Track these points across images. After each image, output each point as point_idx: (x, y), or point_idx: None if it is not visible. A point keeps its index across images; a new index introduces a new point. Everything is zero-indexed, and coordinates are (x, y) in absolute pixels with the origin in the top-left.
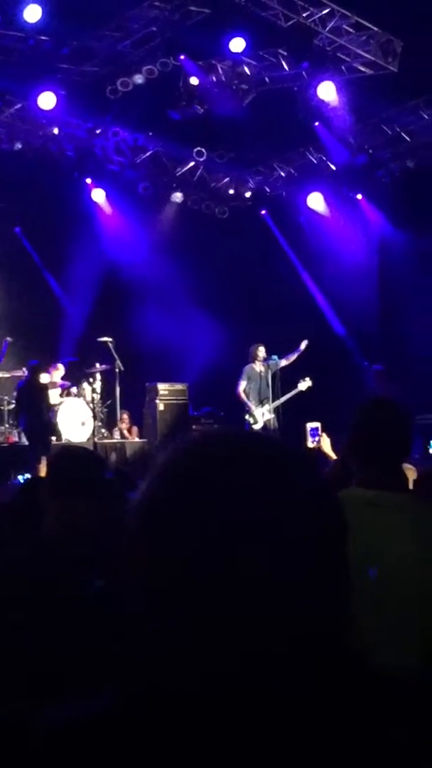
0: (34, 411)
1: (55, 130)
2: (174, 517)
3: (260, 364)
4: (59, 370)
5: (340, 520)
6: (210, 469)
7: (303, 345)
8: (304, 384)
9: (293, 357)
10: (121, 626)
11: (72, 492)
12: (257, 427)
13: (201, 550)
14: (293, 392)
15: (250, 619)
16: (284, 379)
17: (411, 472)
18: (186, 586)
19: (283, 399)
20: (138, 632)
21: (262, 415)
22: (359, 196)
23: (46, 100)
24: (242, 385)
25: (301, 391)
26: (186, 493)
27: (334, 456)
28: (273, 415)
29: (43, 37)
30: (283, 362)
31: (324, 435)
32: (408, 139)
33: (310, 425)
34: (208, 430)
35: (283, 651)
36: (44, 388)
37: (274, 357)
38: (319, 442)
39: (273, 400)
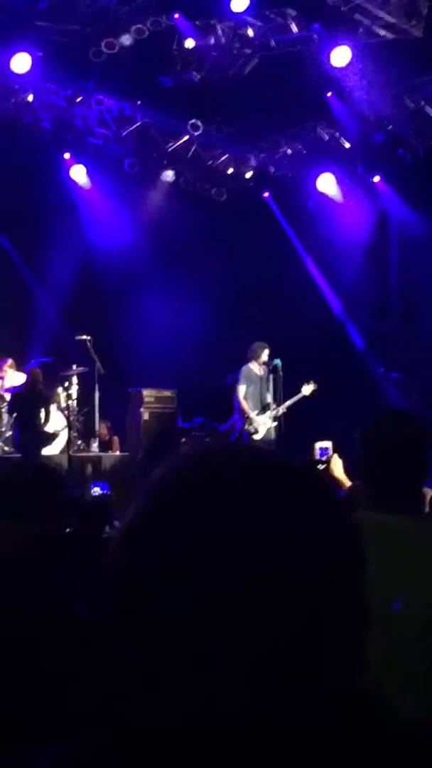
0: (32, 421)
1: (30, 98)
2: (168, 542)
3: (260, 366)
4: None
5: (358, 551)
6: (211, 491)
7: (307, 390)
8: (308, 388)
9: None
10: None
11: (20, 515)
12: (258, 437)
13: (195, 581)
14: (297, 397)
15: (247, 657)
16: (287, 386)
17: (426, 495)
18: (177, 620)
19: (286, 405)
20: (117, 664)
21: (264, 424)
22: (376, 178)
23: (20, 63)
24: (242, 390)
25: (305, 396)
26: (183, 516)
27: (346, 481)
28: (275, 424)
29: None
30: (281, 410)
31: (335, 456)
32: None
33: (319, 445)
34: (208, 445)
35: (285, 693)
36: (46, 396)
37: (277, 361)
38: (328, 464)
39: (275, 407)
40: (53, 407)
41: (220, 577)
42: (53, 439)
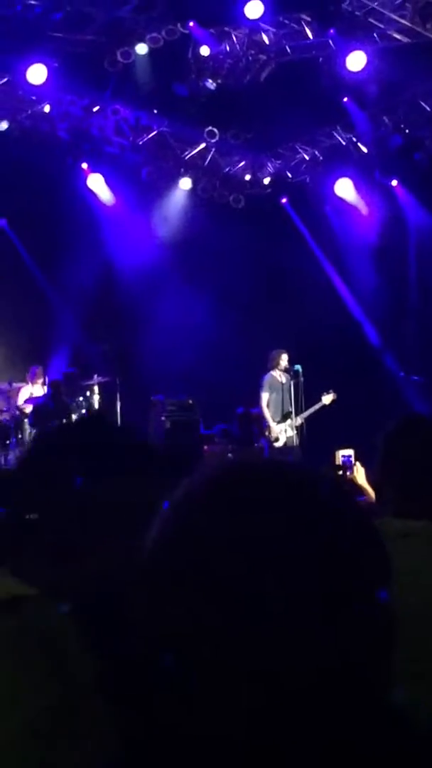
0: None
1: (47, 108)
2: (198, 557)
3: (281, 373)
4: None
5: (384, 561)
6: (237, 505)
7: (327, 399)
8: (328, 397)
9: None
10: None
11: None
12: (279, 445)
13: (224, 594)
14: (316, 406)
15: (278, 670)
16: (308, 392)
17: None
18: (205, 632)
19: (305, 415)
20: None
21: (284, 432)
22: (394, 182)
23: (36, 74)
24: (264, 397)
25: (325, 405)
26: (210, 531)
27: (369, 489)
28: (295, 432)
29: (32, 2)
30: (299, 420)
31: (357, 464)
32: None
33: (341, 453)
34: (233, 460)
35: (311, 708)
36: (67, 406)
37: (297, 366)
38: (351, 472)
39: (296, 415)
40: (75, 417)
41: (250, 590)
42: None
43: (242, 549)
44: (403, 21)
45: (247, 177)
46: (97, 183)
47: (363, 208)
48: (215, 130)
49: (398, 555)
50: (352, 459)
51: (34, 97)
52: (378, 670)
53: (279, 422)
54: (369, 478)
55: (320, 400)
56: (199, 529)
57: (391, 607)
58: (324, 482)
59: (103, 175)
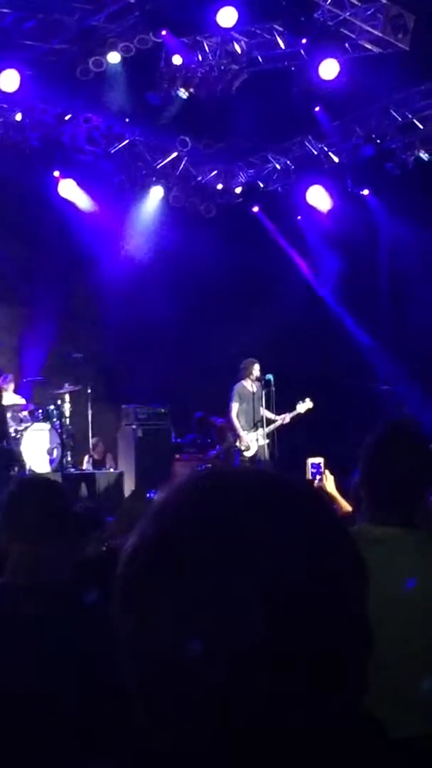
0: None
1: (18, 116)
2: (174, 565)
3: (252, 382)
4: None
5: (360, 569)
6: (216, 513)
7: (302, 407)
8: (303, 405)
9: (281, 419)
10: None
11: (32, 533)
12: (249, 454)
13: (200, 603)
14: (291, 414)
15: (252, 682)
16: (279, 401)
17: None
18: (182, 641)
19: (279, 422)
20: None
21: (255, 441)
22: (365, 191)
23: (8, 82)
24: (235, 407)
25: (300, 414)
26: (191, 537)
27: (338, 497)
28: (267, 440)
29: (4, 10)
30: (269, 414)
31: (327, 473)
32: (421, 126)
33: (311, 461)
34: (211, 468)
35: (284, 719)
36: (3, 409)
37: (269, 376)
38: (321, 481)
39: (268, 424)
40: (46, 425)
41: (228, 596)
42: (9, 455)
43: (217, 557)
44: (374, 31)
45: (219, 186)
46: (69, 189)
47: (335, 218)
48: (187, 139)
49: (374, 562)
50: (322, 467)
51: (5, 106)
52: (355, 678)
53: (249, 432)
54: (338, 487)
55: (295, 408)
56: (173, 537)
57: (367, 614)
58: (299, 489)
59: (75, 183)
